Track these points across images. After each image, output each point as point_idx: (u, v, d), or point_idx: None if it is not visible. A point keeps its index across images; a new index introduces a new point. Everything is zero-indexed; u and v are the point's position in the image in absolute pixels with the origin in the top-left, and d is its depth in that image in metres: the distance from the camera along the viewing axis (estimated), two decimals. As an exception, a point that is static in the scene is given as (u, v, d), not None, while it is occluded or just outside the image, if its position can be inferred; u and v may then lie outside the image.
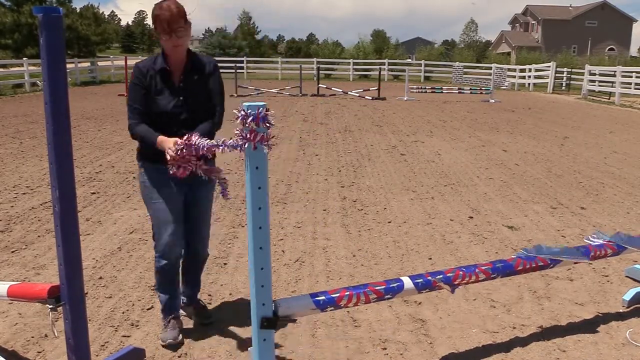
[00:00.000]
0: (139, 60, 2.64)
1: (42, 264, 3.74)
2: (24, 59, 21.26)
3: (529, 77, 27.05)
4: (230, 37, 39.87)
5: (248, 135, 1.92)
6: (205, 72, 2.61)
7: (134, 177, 6.35)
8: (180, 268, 2.80)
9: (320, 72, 23.66)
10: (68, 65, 13.39)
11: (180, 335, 2.71)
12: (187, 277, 2.89)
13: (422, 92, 18.89)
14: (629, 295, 3.22)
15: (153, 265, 3.71)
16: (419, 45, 56.43)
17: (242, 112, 1.92)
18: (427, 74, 32.49)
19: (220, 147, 2.09)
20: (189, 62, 2.58)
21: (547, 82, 25.10)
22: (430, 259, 3.94)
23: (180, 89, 2.56)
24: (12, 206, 5.13)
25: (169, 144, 2.32)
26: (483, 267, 2.54)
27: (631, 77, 19.79)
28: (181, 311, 2.90)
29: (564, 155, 8.38)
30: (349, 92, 19.34)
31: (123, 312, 3.04)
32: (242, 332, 2.83)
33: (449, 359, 2.64)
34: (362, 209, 5.19)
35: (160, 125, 2.51)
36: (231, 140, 2.04)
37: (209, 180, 2.49)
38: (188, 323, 2.93)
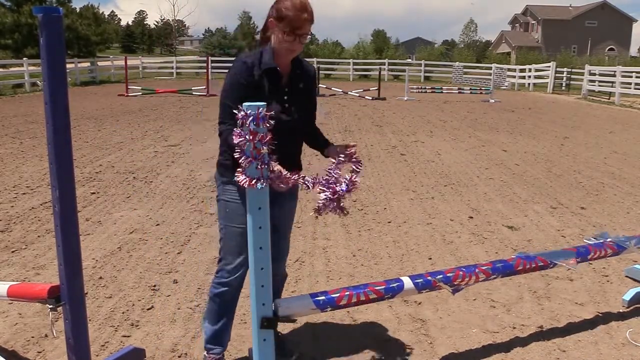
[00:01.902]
0: (243, 55, 2.30)
1: (42, 264, 3.74)
2: (24, 59, 21.25)
3: (529, 77, 27.05)
4: (230, 37, 39.86)
5: (248, 136, 1.91)
6: (309, 78, 2.41)
7: (134, 177, 6.35)
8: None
9: (320, 72, 23.67)
10: (68, 65, 13.39)
11: None
12: None
13: (422, 92, 18.90)
14: (628, 295, 3.22)
15: (153, 268, 3.72)
16: (419, 45, 56.46)
17: (242, 112, 1.91)
18: (427, 74, 32.49)
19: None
20: (296, 66, 2.34)
21: (547, 82, 25.10)
22: (430, 259, 3.94)
23: (286, 93, 2.30)
24: (12, 206, 5.13)
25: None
26: (483, 267, 2.54)
27: (631, 77, 19.79)
28: None
29: (564, 155, 8.38)
30: (349, 92, 19.35)
31: (123, 312, 3.03)
32: (242, 332, 2.83)
33: (449, 359, 2.64)
34: (362, 209, 5.19)
35: None
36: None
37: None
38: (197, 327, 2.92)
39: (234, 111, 1.93)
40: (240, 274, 2.37)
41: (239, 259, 2.34)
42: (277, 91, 2.27)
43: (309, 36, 2.25)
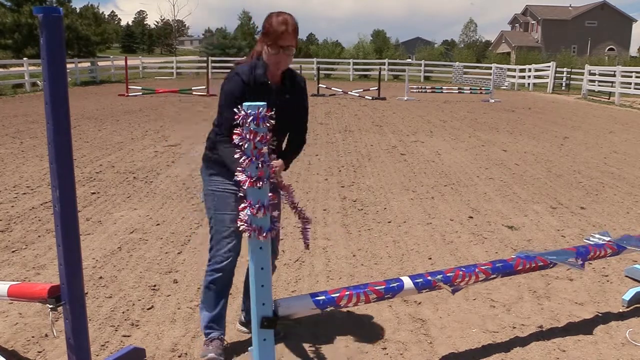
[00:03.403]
0: (238, 64, 2.46)
1: (42, 263, 3.74)
2: (24, 59, 21.26)
3: (529, 77, 27.05)
4: (230, 37, 39.86)
5: (248, 136, 1.92)
6: (299, 91, 2.52)
7: (134, 177, 6.35)
8: (245, 282, 2.70)
9: (320, 72, 23.66)
10: (68, 65, 13.38)
11: (223, 358, 2.49)
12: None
13: (422, 92, 18.91)
14: (628, 295, 3.22)
15: (153, 268, 3.72)
16: (419, 45, 56.50)
17: (242, 112, 1.92)
18: (427, 74, 32.50)
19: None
20: (287, 78, 2.47)
21: (547, 82, 25.10)
22: (430, 258, 3.94)
23: (275, 106, 2.26)
24: (12, 206, 5.13)
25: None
26: (483, 267, 2.54)
27: (631, 77, 19.80)
28: (242, 327, 2.82)
29: (564, 155, 8.38)
30: (349, 92, 19.35)
31: (123, 312, 3.04)
32: (242, 332, 2.83)
33: (449, 358, 2.64)
34: (362, 209, 5.20)
35: None
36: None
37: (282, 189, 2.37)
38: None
39: (228, 116, 2.18)
40: (232, 258, 2.50)
41: (231, 244, 2.47)
42: (266, 102, 2.33)
43: (293, 48, 2.38)
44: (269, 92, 2.39)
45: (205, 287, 2.54)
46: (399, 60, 36.60)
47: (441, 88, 19.50)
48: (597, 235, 3.09)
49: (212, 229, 2.54)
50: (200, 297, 2.61)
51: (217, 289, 2.52)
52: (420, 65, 32.91)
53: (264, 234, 2.00)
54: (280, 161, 2.41)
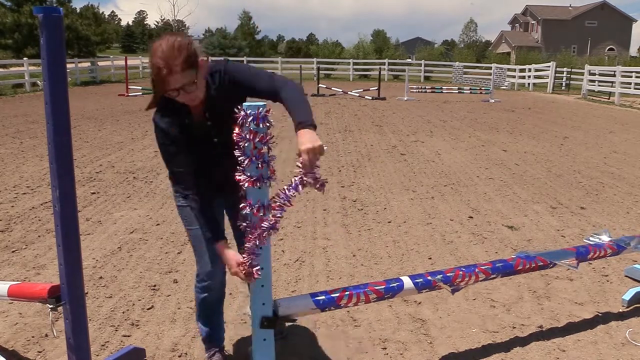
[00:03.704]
0: (156, 114, 2.11)
1: (42, 263, 3.74)
2: (24, 59, 21.25)
3: (529, 77, 27.04)
4: (230, 37, 39.86)
5: (248, 136, 1.91)
6: (229, 92, 2.05)
7: (134, 177, 6.35)
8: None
9: (320, 72, 23.66)
10: (68, 65, 13.37)
11: None
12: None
13: (422, 92, 18.90)
14: (628, 295, 3.22)
15: (153, 268, 3.72)
16: (419, 45, 56.47)
17: (242, 112, 1.92)
18: (427, 74, 32.49)
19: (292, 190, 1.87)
20: (209, 95, 2.06)
21: (547, 82, 25.09)
22: (430, 258, 3.94)
23: (208, 119, 2.12)
24: (12, 206, 5.13)
25: (231, 263, 2.02)
26: (483, 267, 2.54)
27: (631, 77, 19.79)
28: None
29: (564, 155, 8.38)
30: (349, 92, 19.34)
31: (123, 312, 3.04)
32: (242, 332, 2.83)
33: (448, 358, 2.64)
34: (362, 209, 5.20)
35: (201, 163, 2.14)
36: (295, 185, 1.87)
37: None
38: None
39: (180, 170, 2.09)
40: (218, 275, 2.31)
41: (211, 261, 2.25)
42: (199, 125, 2.09)
43: (193, 84, 1.90)
44: (202, 126, 2.10)
45: (198, 302, 2.42)
46: (399, 60, 36.58)
47: (441, 88, 19.49)
48: (595, 236, 3.09)
49: (192, 245, 2.36)
50: (196, 310, 2.50)
51: (208, 306, 2.42)
52: (420, 65, 32.89)
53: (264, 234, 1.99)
54: (308, 144, 1.79)
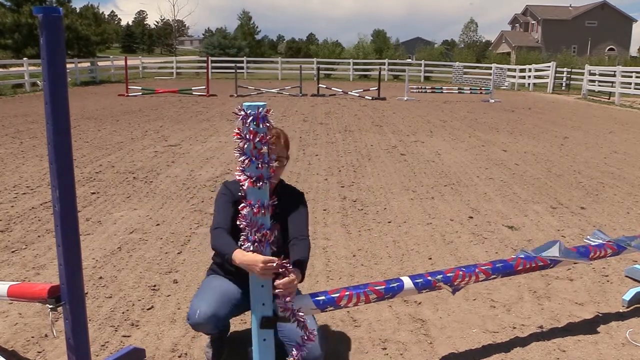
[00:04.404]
0: (229, 182, 2.45)
1: (42, 264, 3.74)
2: (24, 59, 21.24)
3: (529, 77, 27.06)
4: (230, 37, 39.86)
5: (248, 136, 1.92)
6: (290, 201, 2.43)
7: (134, 177, 6.35)
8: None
9: (320, 72, 23.67)
10: (68, 65, 13.39)
11: None
12: None
13: (422, 92, 18.91)
14: (628, 295, 3.22)
15: (153, 268, 3.72)
16: (419, 45, 56.50)
17: (242, 112, 1.92)
18: (427, 74, 32.50)
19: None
20: (278, 189, 2.43)
21: (547, 82, 25.10)
22: (430, 259, 3.94)
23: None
24: (12, 206, 5.13)
25: (257, 260, 2.05)
26: (483, 267, 2.54)
27: (631, 77, 19.81)
28: None
29: (564, 155, 8.38)
30: (349, 92, 19.35)
31: (123, 312, 3.03)
32: (242, 332, 2.83)
33: (449, 359, 2.64)
34: (362, 209, 5.19)
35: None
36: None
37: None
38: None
39: (218, 225, 2.28)
40: (204, 319, 2.32)
41: (207, 299, 2.36)
42: None
43: (285, 160, 2.40)
44: None
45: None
46: (399, 61, 36.59)
47: (441, 88, 19.49)
48: (592, 237, 3.08)
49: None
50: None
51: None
52: (420, 65, 32.90)
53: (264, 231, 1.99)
54: (291, 276, 2.09)
